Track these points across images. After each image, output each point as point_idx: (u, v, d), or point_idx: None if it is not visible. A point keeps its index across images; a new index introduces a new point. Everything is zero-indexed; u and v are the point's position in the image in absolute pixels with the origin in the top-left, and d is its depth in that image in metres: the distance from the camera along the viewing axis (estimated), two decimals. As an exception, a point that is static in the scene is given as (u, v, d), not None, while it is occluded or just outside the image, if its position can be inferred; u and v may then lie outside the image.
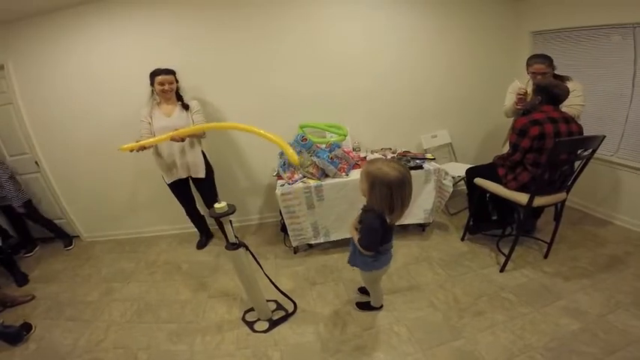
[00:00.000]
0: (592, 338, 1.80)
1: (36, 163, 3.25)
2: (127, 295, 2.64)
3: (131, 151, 2.37)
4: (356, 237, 1.75)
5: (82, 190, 3.37)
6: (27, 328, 2.26)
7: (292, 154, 2.11)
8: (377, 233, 1.64)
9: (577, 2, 2.78)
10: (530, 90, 2.57)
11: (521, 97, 2.53)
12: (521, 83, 2.70)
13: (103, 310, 2.47)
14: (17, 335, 2.18)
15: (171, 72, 2.63)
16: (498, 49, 3.20)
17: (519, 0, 3.25)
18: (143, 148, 2.40)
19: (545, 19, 3.11)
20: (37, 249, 3.46)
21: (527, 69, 2.60)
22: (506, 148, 2.82)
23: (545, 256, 2.52)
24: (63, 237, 3.47)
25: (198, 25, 2.91)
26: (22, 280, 2.89)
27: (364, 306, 2.22)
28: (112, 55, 2.92)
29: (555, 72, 2.54)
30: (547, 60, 2.48)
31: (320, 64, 3.13)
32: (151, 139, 2.41)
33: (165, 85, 2.59)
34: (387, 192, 1.52)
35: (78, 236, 3.63)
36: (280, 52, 3.06)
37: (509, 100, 2.76)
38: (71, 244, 3.47)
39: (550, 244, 2.50)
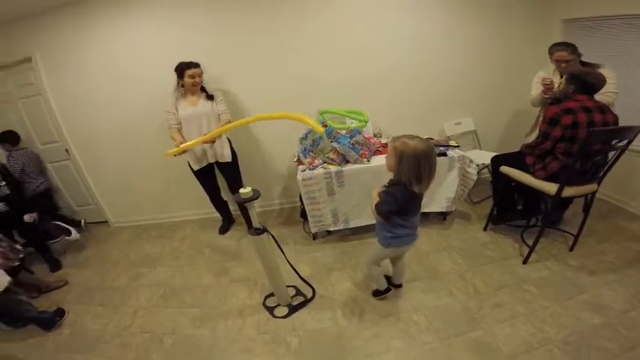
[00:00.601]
0: (613, 334, 1.76)
1: (66, 151, 3.38)
2: (153, 280, 2.74)
3: (174, 155, 2.43)
4: (375, 200, 1.77)
5: (108, 177, 3.51)
6: (60, 313, 2.37)
7: (317, 125, 2.03)
8: (397, 203, 1.68)
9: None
10: (555, 79, 2.48)
11: (548, 87, 2.41)
12: (546, 73, 2.59)
13: (131, 295, 2.59)
14: (51, 321, 2.29)
15: (199, 64, 2.67)
16: (527, 36, 3.05)
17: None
18: (185, 151, 2.47)
19: (578, 7, 2.93)
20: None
21: (550, 57, 2.51)
22: (530, 138, 2.73)
23: (571, 249, 2.44)
24: (50, 261, 3.06)
25: (220, 15, 2.91)
26: (55, 265, 3.03)
27: (374, 293, 2.23)
28: (135, 44, 2.97)
29: (583, 59, 2.43)
30: (569, 47, 2.38)
31: (340, 50, 3.08)
32: (189, 143, 2.43)
33: (196, 77, 2.65)
34: (415, 162, 1.58)
35: (107, 221, 3.79)
36: (300, 39, 3.02)
37: (536, 89, 2.64)
38: (59, 268, 3.06)
39: (577, 237, 2.42)
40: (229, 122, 2.74)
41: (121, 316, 2.37)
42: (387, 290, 2.19)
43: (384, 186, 1.79)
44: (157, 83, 2.89)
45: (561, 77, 2.49)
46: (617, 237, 2.55)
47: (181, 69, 2.63)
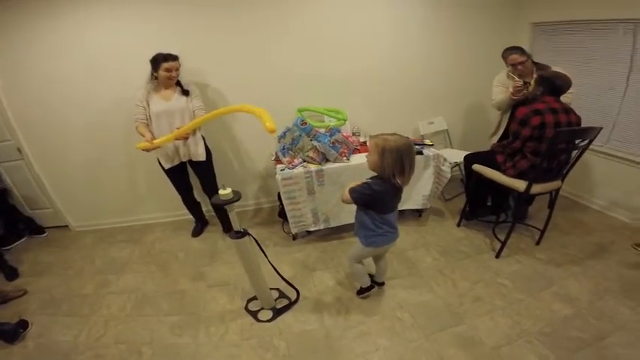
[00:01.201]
0: (584, 324, 1.89)
1: (18, 150, 3.08)
2: (123, 287, 2.58)
3: (145, 151, 2.39)
4: (351, 185, 1.80)
5: (70, 176, 3.23)
6: (23, 325, 2.18)
7: (271, 121, 1.98)
8: (371, 193, 1.73)
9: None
10: (510, 81, 2.66)
11: (519, 88, 2.54)
12: (502, 76, 2.78)
13: (100, 303, 2.42)
14: (14, 333, 2.10)
15: (177, 57, 2.51)
16: (497, 39, 3.17)
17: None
18: (157, 147, 2.40)
19: (546, 11, 3.11)
20: (22, 240, 3.33)
21: (505, 62, 2.68)
22: (494, 139, 2.88)
23: (538, 243, 2.61)
24: (6, 269, 2.80)
25: (198, 7, 2.77)
26: (11, 274, 2.77)
27: (358, 292, 2.25)
28: (109, 35, 2.74)
29: (535, 60, 2.63)
30: (519, 50, 2.59)
31: (320, 48, 3.06)
32: (162, 139, 2.40)
33: (173, 71, 2.49)
34: (397, 155, 1.65)
35: (67, 226, 3.52)
36: (280, 36, 2.97)
37: (498, 93, 2.77)
38: (16, 277, 2.79)
39: (543, 232, 2.59)
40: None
41: (92, 327, 2.21)
42: (370, 287, 2.21)
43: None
44: (131, 76, 2.67)
45: (517, 79, 2.62)
46: (577, 231, 2.76)
47: (157, 61, 2.46)
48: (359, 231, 1.95)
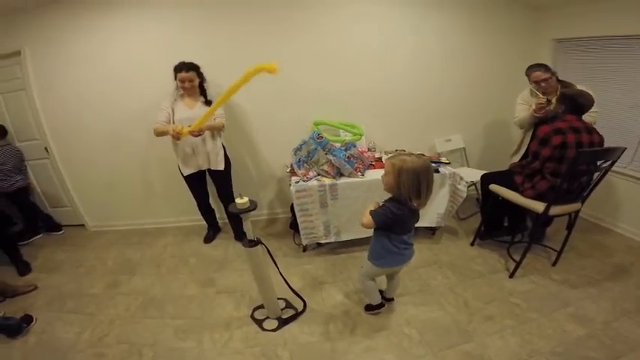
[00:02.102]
0: (598, 344, 1.82)
1: (45, 149, 3.22)
2: (132, 288, 2.60)
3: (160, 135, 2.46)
4: (370, 208, 1.76)
5: (91, 178, 3.35)
6: (28, 320, 2.20)
7: (270, 65, 1.98)
8: (392, 216, 1.69)
9: (601, 10, 2.77)
10: (535, 99, 2.61)
11: (542, 106, 2.51)
12: (527, 94, 2.73)
13: (108, 303, 2.43)
14: (18, 328, 2.12)
15: (193, 68, 2.58)
16: (518, 55, 3.19)
17: (541, 7, 3.23)
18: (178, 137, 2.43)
19: (568, 27, 3.10)
20: (38, 237, 3.42)
21: (528, 80, 2.65)
22: (515, 158, 2.83)
23: (554, 264, 2.52)
24: (19, 264, 2.87)
25: (220, 19, 2.88)
26: (24, 269, 2.83)
27: (367, 308, 2.21)
28: (133, 46, 2.89)
29: (560, 78, 2.59)
30: (542, 67, 2.56)
31: (337, 62, 3.12)
32: (186, 129, 2.40)
33: (186, 82, 2.57)
34: (414, 177, 1.60)
35: (83, 225, 3.60)
36: (297, 49, 3.04)
37: (521, 110, 2.73)
38: (28, 272, 2.85)
39: (560, 253, 2.50)
40: (222, 125, 2.68)
41: (96, 325, 2.21)
42: (381, 306, 2.17)
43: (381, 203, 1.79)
44: (152, 85, 2.81)
45: (540, 96, 2.59)
46: (595, 252, 2.67)
47: (175, 70, 2.56)
48: (374, 250, 1.91)
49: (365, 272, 2.04)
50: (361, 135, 3.00)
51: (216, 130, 2.69)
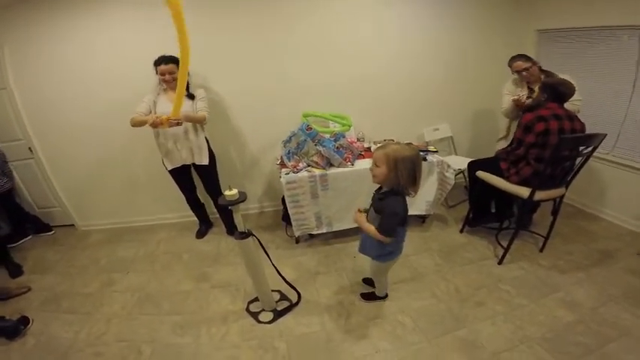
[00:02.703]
0: (587, 330, 1.88)
1: (29, 149, 3.15)
2: (126, 285, 2.60)
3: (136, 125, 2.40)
4: (370, 228, 1.73)
5: (78, 177, 3.29)
6: (24, 321, 2.19)
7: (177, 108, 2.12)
8: (399, 217, 1.67)
9: (585, 2, 2.81)
10: (521, 88, 2.71)
11: (519, 102, 2.59)
12: (512, 83, 2.79)
13: (103, 301, 2.43)
14: (15, 329, 2.11)
15: (172, 60, 2.53)
16: (503, 46, 3.20)
17: (526, -2, 3.27)
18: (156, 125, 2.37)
19: (551, 18, 3.14)
20: (27, 239, 3.37)
21: (511, 70, 2.72)
22: (501, 144, 2.89)
23: (541, 250, 2.60)
24: (10, 266, 2.84)
25: (205, 14, 2.82)
26: (16, 271, 2.80)
27: (369, 296, 2.25)
28: (117, 40, 2.81)
29: (543, 68, 2.66)
30: (523, 57, 2.63)
31: (325, 54, 3.10)
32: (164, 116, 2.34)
33: (166, 75, 2.52)
34: (411, 165, 1.61)
35: (73, 225, 3.56)
36: (286, 41, 3.01)
37: (508, 101, 2.78)
38: (20, 274, 2.82)
39: (547, 238, 2.58)
40: (204, 118, 2.61)
41: (94, 324, 2.22)
42: (386, 297, 2.24)
43: (372, 204, 1.79)
44: (136, 80, 2.73)
45: (527, 86, 2.68)
46: (581, 238, 2.75)
47: (155, 63, 2.52)
48: (371, 251, 1.90)
49: (380, 271, 2.06)
50: (350, 126, 3.01)
51: (196, 123, 2.63)
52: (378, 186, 1.77)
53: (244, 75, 3.04)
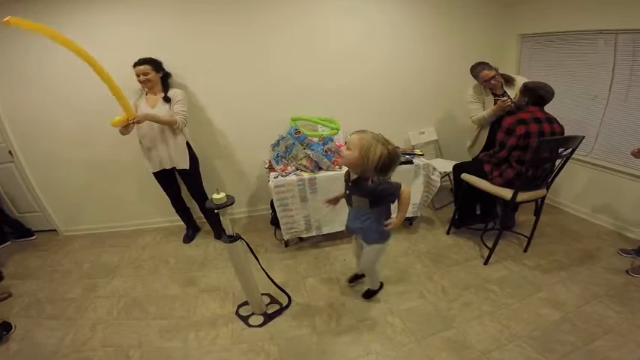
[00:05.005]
0: (572, 328, 1.93)
1: (10, 152, 3.05)
2: (111, 291, 2.54)
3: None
4: (401, 214, 1.80)
5: (60, 181, 3.21)
6: (6, 327, 2.13)
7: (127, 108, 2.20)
8: (397, 186, 1.79)
9: (565, 8, 2.92)
10: (486, 96, 2.78)
11: (507, 106, 2.62)
12: (471, 91, 2.86)
13: (87, 307, 2.37)
14: None
15: (147, 62, 2.52)
16: (488, 51, 3.30)
17: (510, 4, 3.38)
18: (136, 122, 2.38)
19: (533, 23, 3.25)
20: (6, 244, 3.26)
21: (477, 79, 2.76)
22: (474, 150, 2.98)
23: (525, 250, 2.67)
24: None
25: (191, 15, 2.82)
26: (-5, 276, 2.71)
27: (368, 294, 2.27)
28: (102, 39, 2.75)
29: (501, 72, 2.75)
30: (486, 65, 2.70)
31: (312, 58, 3.13)
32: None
33: (140, 76, 2.51)
34: (382, 159, 1.67)
35: (55, 230, 3.46)
36: (274, 45, 3.03)
37: (477, 109, 2.82)
38: (1, 279, 2.76)
39: (530, 239, 2.65)
40: (174, 122, 2.56)
41: (78, 330, 2.16)
42: (381, 287, 2.28)
43: (351, 182, 1.85)
44: (122, 77, 2.68)
45: (492, 92, 2.78)
46: (563, 238, 2.84)
47: (133, 65, 2.50)
48: (376, 230, 1.90)
49: (375, 258, 2.04)
50: (338, 129, 3.04)
51: (165, 125, 2.58)
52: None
53: (232, 79, 3.04)
